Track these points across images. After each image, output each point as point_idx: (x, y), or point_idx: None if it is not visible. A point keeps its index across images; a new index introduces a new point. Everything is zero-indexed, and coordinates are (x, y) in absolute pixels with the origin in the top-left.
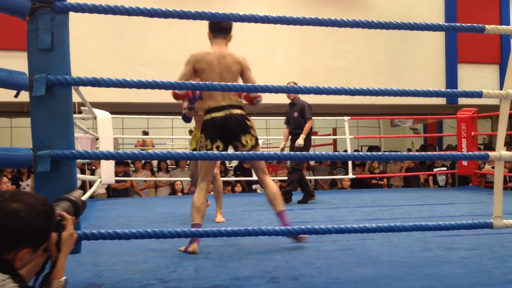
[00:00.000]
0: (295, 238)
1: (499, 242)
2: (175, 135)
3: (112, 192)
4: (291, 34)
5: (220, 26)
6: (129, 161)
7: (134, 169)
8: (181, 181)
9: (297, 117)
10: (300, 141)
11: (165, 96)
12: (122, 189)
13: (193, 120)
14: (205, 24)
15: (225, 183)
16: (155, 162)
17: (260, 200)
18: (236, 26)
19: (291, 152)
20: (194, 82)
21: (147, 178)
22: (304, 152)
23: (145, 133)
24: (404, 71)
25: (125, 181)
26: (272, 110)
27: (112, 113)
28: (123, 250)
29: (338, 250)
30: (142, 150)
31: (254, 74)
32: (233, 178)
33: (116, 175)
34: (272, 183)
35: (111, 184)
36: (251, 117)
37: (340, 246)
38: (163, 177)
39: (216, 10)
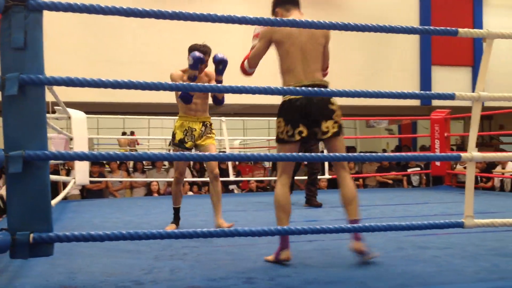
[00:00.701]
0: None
1: (470, 241)
2: (151, 135)
3: (87, 193)
4: None
5: None
6: (105, 161)
7: (109, 169)
8: (157, 181)
9: None
10: None
11: (142, 96)
12: (96, 190)
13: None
14: (182, 24)
15: (203, 183)
16: (131, 163)
17: (236, 200)
18: (213, 27)
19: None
20: (171, 83)
21: (123, 179)
22: (281, 154)
23: (131, 132)
24: (380, 72)
25: (100, 182)
26: (249, 111)
27: (87, 113)
28: (98, 252)
29: (314, 250)
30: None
31: (231, 75)
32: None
33: (91, 176)
34: (352, 184)
35: (85, 185)
36: (228, 118)
37: (316, 246)
38: (139, 178)
39: (194, 10)
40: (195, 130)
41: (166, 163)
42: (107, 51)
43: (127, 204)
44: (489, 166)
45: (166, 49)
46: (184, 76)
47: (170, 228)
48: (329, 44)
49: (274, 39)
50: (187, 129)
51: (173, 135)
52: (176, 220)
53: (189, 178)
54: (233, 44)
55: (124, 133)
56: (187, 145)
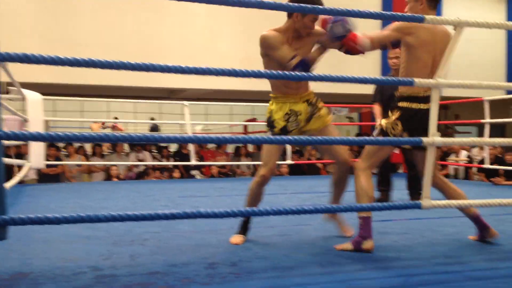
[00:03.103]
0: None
1: (428, 227)
2: (110, 119)
3: (43, 177)
4: (235, 20)
5: None
6: (61, 146)
7: (66, 153)
8: (117, 165)
9: None
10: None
11: (101, 77)
12: (53, 175)
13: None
14: (146, 7)
15: (164, 169)
16: (88, 147)
17: (198, 186)
18: (179, 9)
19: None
20: (133, 63)
21: (81, 163)
22: (244, 136)
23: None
24: (343, 60)
25: (56, 165)
26: (211, 96)
27: (43, 94)
28: (54, 238)
29: (275, 235)
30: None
31: (198, 59)
32: (172, 163)
33: (47, 160)
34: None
35: (41, 168)
36: (190, 102)
37: (278, 232)
38: (97, 162)
39: None
40: (300, 113)
41: (126, 147)
42: (64, 31)
43: (85, 188)
44: (444, 155)
45: (127, 30)
46: (285, 43)
47: (236, 240)
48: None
49: (407, 40)
50: (288, 112)
51: (271, 122)
52: (244, 230)
53: (150, 162)
54: (199, 27)
55: (116, 118)
56: (292, 134)
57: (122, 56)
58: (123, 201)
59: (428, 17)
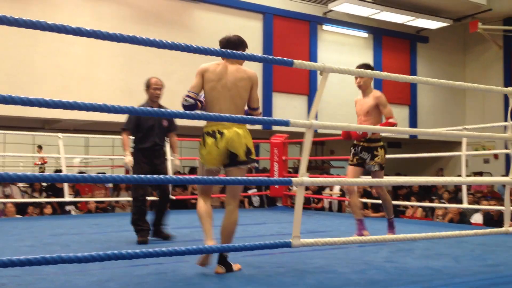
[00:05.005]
0: None
1: (301, 260)
2: None
3: None
4: (115, 50)
5: None
6: None
7: None
8: None
9: (166, 126)
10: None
11: None
12: None
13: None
14: (16, 31)
15: (34, 204)
16: None
17: (72, 223)
18: (56, 37)
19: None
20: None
21: None
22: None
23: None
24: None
25: None
26: (91, 128)
27: None
28: None
29: (150, 274)
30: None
31: (74, 88)
32: (44, 200)
33: None
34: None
35: None
36: (65, 134)
37: (153, 270)
38: None
39: (32, 16)
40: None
41: None
42: None
43: None
44: (320, 188)
45: None
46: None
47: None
48: (177, 65)
49: None
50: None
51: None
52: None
53: (19, 199)
54: (76, 55)
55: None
56: None
57: None
58: None
59: (296, 61)
